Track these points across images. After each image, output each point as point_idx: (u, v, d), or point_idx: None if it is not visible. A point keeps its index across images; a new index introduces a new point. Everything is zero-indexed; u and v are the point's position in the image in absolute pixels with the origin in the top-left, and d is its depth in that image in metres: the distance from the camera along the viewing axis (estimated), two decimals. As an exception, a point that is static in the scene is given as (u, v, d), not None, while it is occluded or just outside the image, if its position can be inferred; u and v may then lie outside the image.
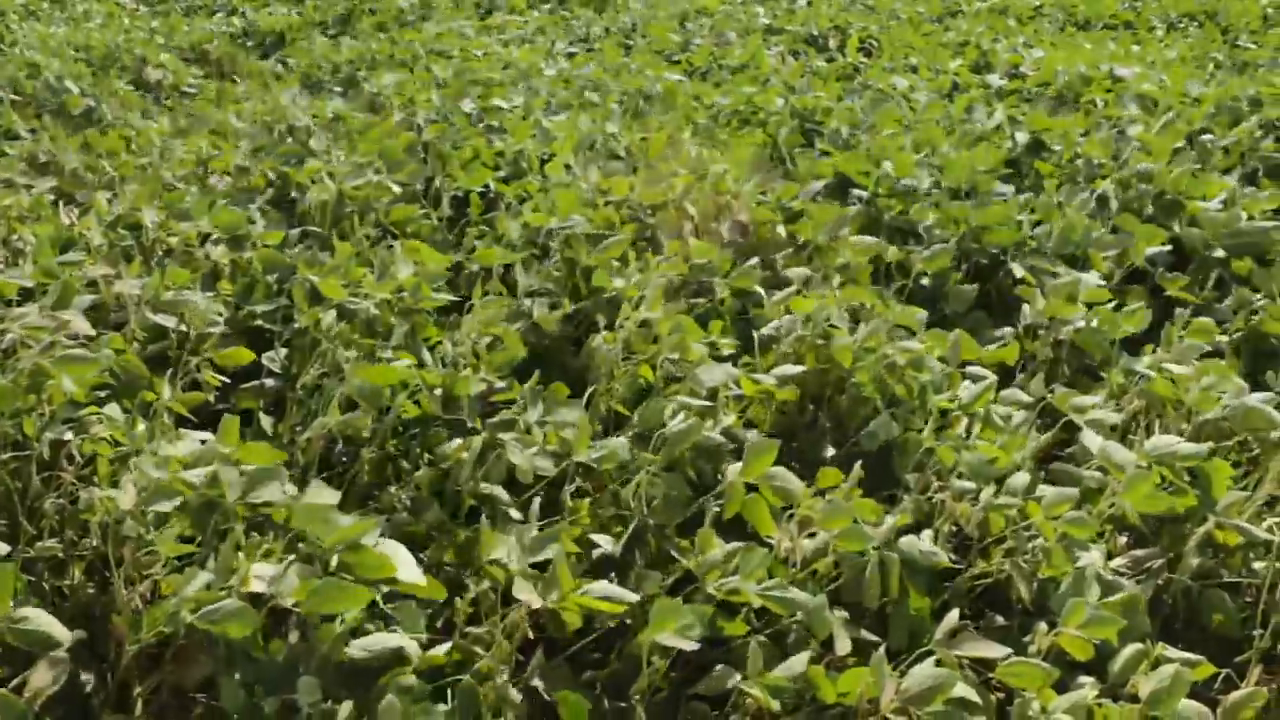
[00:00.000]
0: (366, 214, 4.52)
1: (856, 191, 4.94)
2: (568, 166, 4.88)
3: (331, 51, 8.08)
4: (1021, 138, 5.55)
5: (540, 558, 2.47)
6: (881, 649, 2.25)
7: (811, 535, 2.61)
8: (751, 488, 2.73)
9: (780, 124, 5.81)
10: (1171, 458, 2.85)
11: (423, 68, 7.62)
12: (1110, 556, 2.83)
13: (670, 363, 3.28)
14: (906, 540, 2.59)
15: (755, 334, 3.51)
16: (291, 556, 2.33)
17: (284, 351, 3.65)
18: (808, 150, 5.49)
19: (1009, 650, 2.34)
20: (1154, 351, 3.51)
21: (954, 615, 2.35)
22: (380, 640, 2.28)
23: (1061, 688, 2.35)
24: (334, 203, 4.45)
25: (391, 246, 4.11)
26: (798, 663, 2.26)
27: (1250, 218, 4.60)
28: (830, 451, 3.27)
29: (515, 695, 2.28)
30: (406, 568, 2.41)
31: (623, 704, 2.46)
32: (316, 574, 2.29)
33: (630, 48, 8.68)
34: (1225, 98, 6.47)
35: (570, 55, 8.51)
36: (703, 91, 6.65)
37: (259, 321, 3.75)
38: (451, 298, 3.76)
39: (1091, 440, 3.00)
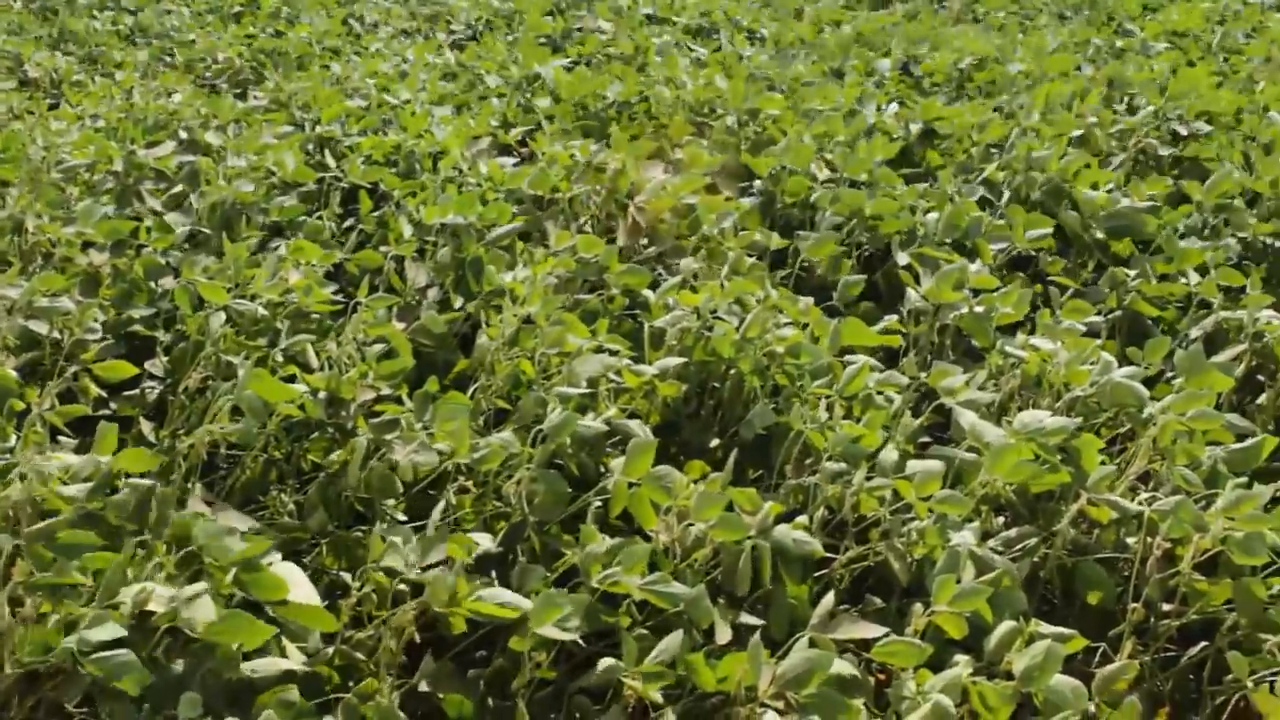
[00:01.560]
0: (255, 214, 4.47)
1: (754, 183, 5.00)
2: (460, 169, 4.85)
3: (220, 48, 7.95)
4: (914, 127, 5.62)
5: (429, 560, 2.47)
6: (757, 634, 2.27)
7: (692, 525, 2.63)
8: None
9: (671, 114, 5.83)
10: (1041, 433, 2.91)
11: (312, 64, 7.53)
12: (987, 536, 2.89)
13: (549, 356, 3.28)
14: (780, 529, 2.62)
15: (646, 327, 3.54)
16: (201, 584, 2.29)
17: (166, 357, 3.61)
18: (697, 140, 5.50)
19: (885, 630, 2.38)
20: (1030, 333, 3.58)
21: (829, 599, 2.38)
22: (271, 663, 2.27)
23: (940, 667, 2.39)
24: (224, 203, 4.38)
25: (277, 247, 4.07)
26: (670, 645, 2.28)
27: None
28: (715, 440, 3.31)
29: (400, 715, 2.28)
30: (301, 588, 2.39)
31: (508, 701, 2.46)
32: (218, 598, 2.26)
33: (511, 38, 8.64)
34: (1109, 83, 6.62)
35: (459, 47, 8.45)
36: (594, 82, 6.63)
37: (137, 327, 3.70)
38: (335, 297, 3.72)
39: (965, 419, 3.06)
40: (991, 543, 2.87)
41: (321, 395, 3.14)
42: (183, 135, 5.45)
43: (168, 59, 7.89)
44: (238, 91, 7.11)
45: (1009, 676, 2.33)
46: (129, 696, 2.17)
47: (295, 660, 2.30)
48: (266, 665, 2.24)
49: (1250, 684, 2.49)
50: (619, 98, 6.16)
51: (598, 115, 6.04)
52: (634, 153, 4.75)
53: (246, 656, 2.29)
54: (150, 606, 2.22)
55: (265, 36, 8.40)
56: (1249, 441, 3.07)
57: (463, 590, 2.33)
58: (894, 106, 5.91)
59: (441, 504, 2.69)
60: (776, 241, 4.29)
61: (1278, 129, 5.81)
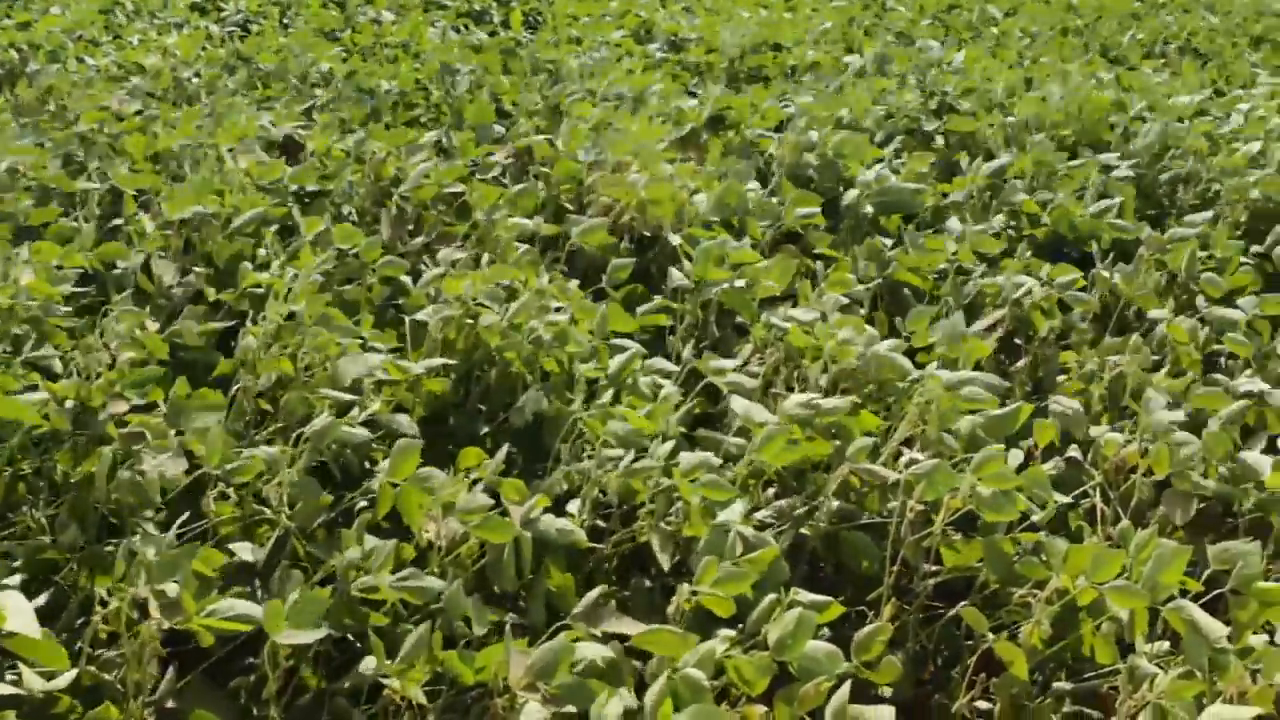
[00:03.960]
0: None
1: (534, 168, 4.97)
2: (223, 158, 4.71)
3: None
4: (703, 113, 5.69)
5: (175, 576, 2.39)
6: (508, 626, 2.26)
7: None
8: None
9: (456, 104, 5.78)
10: (811, 415, 2.96)
11: (75, 57, 7.23)
12: (756, 509, 2.92)
13: (313, 354, 3.21)
14: (546, 519, 2.61)
15: (407, 319, 3.50)
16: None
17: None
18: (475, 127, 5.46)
19: (647, 627, 2.38)
20: (794, 306, 3.64)
21: (595, 591, 2.39)
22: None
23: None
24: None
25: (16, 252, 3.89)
26: (418, 641, 2.25)
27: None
28: (484, 429, 3.28)
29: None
30: (20, 617, 2.28)
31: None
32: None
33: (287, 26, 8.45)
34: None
35: (232, 36, 8.22)
36: (371, 71, 6.52)
37: None
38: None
39: (736, 403, 3.09)
40: (761, 514, 2.92)
41: (69, 405, 3.02)
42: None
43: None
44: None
45: (769, 647, 2.35)
46: None
47: (34, 685, 2.20)
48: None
49: (992, 636, 2.58)
50: (396, 86, 6.06)
51: (374, 105, 5.94)
52: (398, 141, 4.67)
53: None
54: None
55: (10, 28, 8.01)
56: (1006, 409, 3.17)
57: (190, 606, 2.26)
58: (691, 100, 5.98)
59: (186, 515, 2.61)
60: (546, 228, 4.28)
61: (1036, 104, 6.05)
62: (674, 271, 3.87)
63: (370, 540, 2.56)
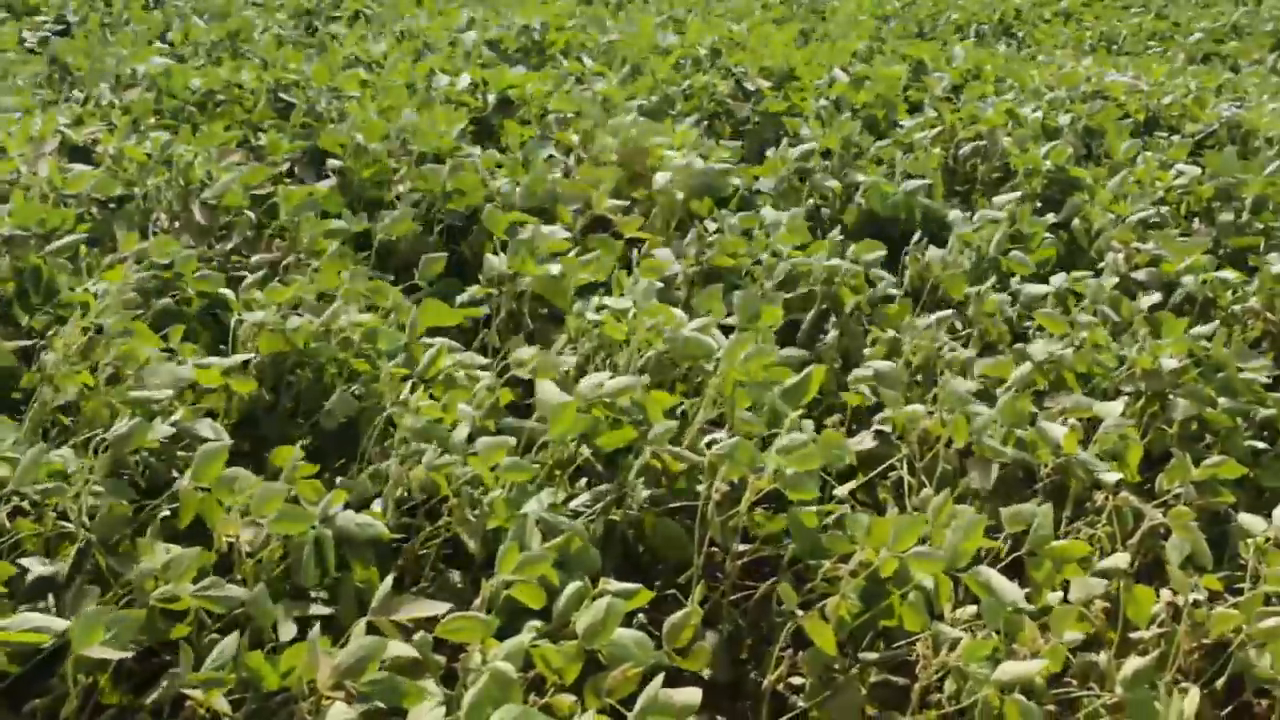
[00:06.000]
0: None
1: (332, 163, 4.89)
2: (19, 172, 4.53)
3: None
4: (490, 97, 5.66)
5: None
6: (316, 627, 2.22)
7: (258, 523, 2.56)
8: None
9: (255, 101, 5.65)
10: (604, 395, 2.97)
11: None
12: (570, 498, 2.93)
13: (119, 367, 3.13)
14: (345, 515, 2.58)
15: (232, 325, 3.43)
16: None
17: None
18: (281, 124, 5.36)
19: (448, 607, 2.37)
20: (607, 294, 3.66)
21: (389, 581, 2.37)
22: None
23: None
24: None
25: None
26: (226, 649, 2.21)
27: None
28: (297, 432, 3.23)
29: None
30: None
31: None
32: None
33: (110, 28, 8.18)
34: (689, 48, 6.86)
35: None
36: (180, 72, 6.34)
37: None
38: None
39: (539, 388, 3.09)
40: (576, 502, 2.92)
41: None
42: None
43: None
44: None
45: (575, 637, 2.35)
46: None
47: None
48: None
49: (800, 611, 2.62)
50: (202, 86, 5.90)
51: (182, 107, 5.78)
52: (207, 143, 4.56)
53: None
54: None
55: None
56: (799, 376, 3.23)
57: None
58: (465, 78, 5.92)
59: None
60: (358, 225, 4.22)
61: (843, 85, 6.15)
62: (490, 259, 3.85)
63: (172, 548, 2.51)
